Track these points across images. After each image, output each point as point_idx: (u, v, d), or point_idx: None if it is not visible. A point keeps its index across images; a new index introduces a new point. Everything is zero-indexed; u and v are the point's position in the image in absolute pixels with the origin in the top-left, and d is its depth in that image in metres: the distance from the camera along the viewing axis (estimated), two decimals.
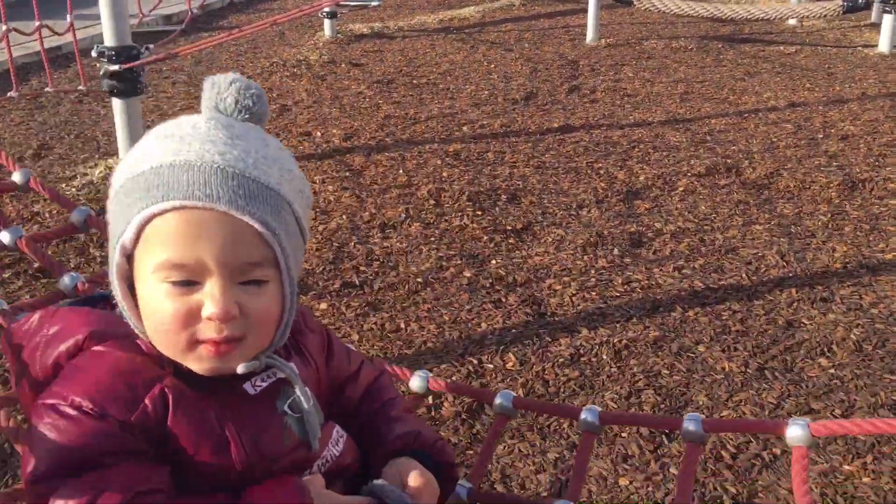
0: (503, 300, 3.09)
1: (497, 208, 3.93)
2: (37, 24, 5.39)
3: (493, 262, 3.40)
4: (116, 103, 4.32)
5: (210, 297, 0.97)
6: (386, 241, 3.58)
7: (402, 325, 2.94)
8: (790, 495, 2.15)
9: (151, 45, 4.41)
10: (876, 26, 8.33)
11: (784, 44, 8.00)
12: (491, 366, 2.69)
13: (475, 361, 2.71)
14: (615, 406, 2.48)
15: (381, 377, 1.31)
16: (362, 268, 3.34)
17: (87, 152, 4.75)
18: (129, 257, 1.00)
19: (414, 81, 6.52)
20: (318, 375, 1.18)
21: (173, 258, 0.96)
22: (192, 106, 5.74)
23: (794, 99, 5.92)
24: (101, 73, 4.27)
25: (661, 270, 3.33)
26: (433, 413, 2.47)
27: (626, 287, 3.19)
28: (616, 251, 3.49)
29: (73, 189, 4.13)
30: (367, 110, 5.67)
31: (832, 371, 2.63)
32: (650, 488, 2.18)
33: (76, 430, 0.96)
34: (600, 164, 4.55)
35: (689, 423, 1.48)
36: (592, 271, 3.32)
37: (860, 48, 7.78)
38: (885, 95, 5.97)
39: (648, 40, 8.14)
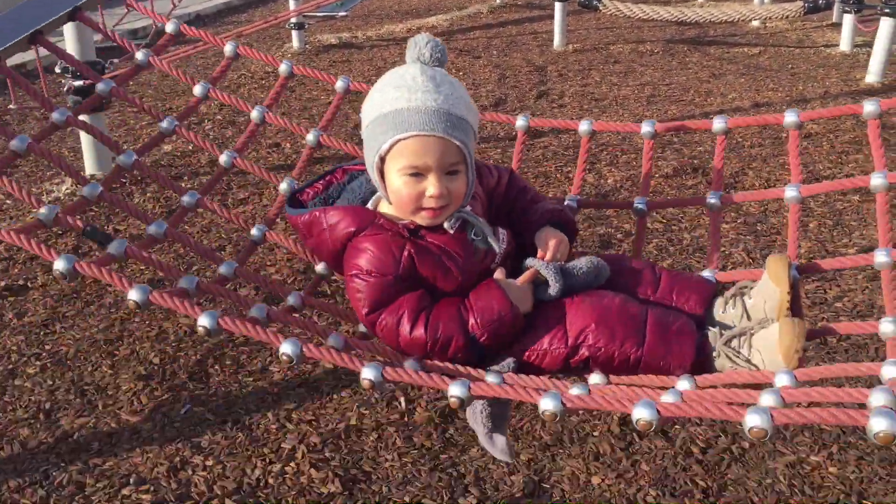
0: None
1: None
2: None
3: None
4: (82, 119, 4.29)
5: (431, 184, 1.68)
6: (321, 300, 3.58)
7: None
8: (759, 488, 2.18)
9: (116, 60, 4.39)
10: (837, 26, 8.48)
11: (748, 45, 8.12)
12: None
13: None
14: None
15: (512, 175, 2.00)
16: (333, 278, 3.33)
17: (53, 169, 4.70)
18: (382, 160, 1.70)
19: None
20: (480, 199, 1.87)
21: (412, 162, 1.68)
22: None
23: (758, 99, 6.01)
24: (64, 89, 4.24)
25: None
26: (406, 418, 2.48)
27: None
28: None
29: (45, 207, 4.09)
30: (336, 120, 5.67)
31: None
32: (622, 485, 2.21)
33: (375, 286, 1.69)
34: (569, 168, 4.58)
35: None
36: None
37: (822, 48, 7.91)
38: (847, 94, 6.08)
39: (615, 45, 8.22)
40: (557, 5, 7.97)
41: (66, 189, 4.31)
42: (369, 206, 1.85)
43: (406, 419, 2.48)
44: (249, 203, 4.13)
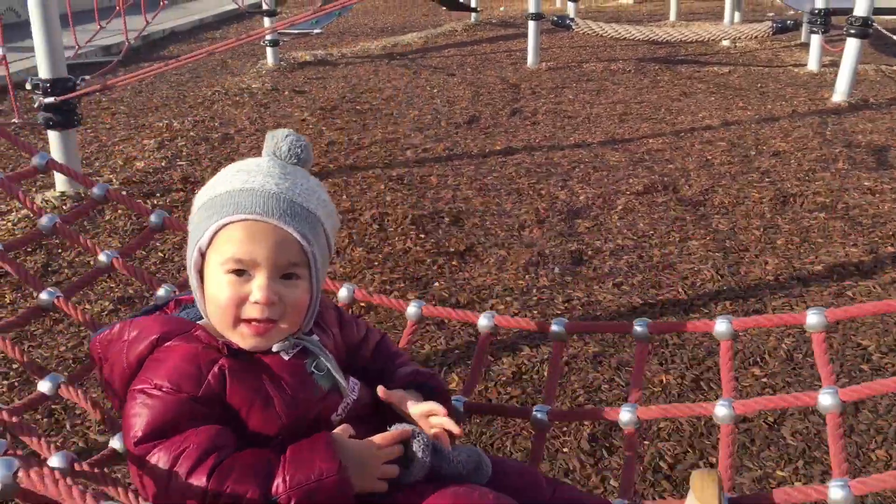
0: (446, 322, 3.11)
1: (440, 231, 3.97)
2: None
3: (437, 284, 3.43)
4: (53, 136, 4.28)
5: (257, 286, 1.34)
6: (329, 268, 3.58)
7: None
8: None
9: (88, 77, 4.37)
10: (805, 46, 8.64)
11: (718, 64, 8.24)
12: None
13: None
14: (556, 422, 2.51)
15: (384, 338, 1.68)
16: None
17: (23, 186, 4.66)
18: (202, 255, 1.38)
19: (357, 107, 6.56)
20: (336, 341, 1.52)
21: (236, 254, 1.33)
22: (132, 137, 5.68)
23: (727, 118, 6.09)
24: (35, 105, 4.21)
25: (600, 287, 3.39)
26: None
27: (566, 305, 3.24)
28: (557, 270, 3.55)
29: (10, 223, 4.06)
30: (310, 137, 5.68)
31: (765, 380, 2.71)
32: None
33: (161, 405, 1.28)
34: (542, 185, 4.62)
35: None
36: (534, 290, 3.37)
37: (790, 67, 8.05)
38: (814, 112, 6.18)
39: (588, 63, 8.31)
40: (531, 24, 8.06)
41: (54, 196, 4.26)
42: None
43: None
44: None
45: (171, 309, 1.51)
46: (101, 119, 6.21)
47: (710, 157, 5.08)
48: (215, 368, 1.32)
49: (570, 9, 10.93)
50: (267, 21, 8.49)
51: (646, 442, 2.43)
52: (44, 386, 1.68)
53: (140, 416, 1.28)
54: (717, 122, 5.96)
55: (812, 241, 3.83)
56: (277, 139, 1.43)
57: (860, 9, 6.24)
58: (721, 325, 1.86)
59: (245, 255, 1.33)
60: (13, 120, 5.81)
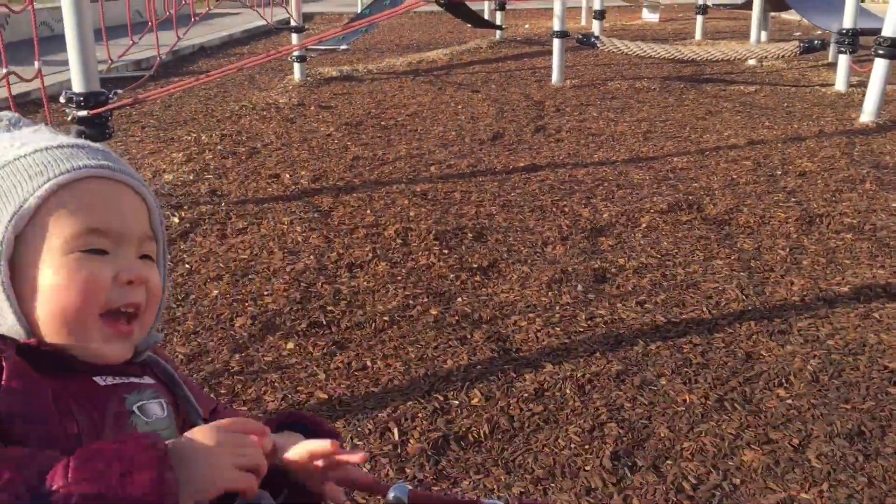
0: (469, 337, 3.12)
1: (463, 246, 3.99)
2: (4, 70, 5.41)
3: (459, 299, 3.44)
4: None
5: (123, 263, 0.99)
6: (353, 281, 3.61)
7: (369, 364, 2.96)
8: None
9: (120, 90, 4.44)
10: (832, 66, 8.60)
11: (744, 83, 8.22)
12: (456, 402, 2.71)
13: (441, 398, 2.74)
14: (578, 439, 2.51)
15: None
16: (329, 307, 3.36)
17: None
18: (17, 234, 0.95)
19: (382, 123, 6.61)
20: (175, 400, 1.09)
21: (92, 224, 0.97)
22: (160, 150, 5.77)
23: (753, 137, 6.07)
24: (69, 118, 4.29)
25: (623, 305, 3.38)
26: (399, 450, 2.49)
27: (589, 322, 3.24)
28: (580, 287, 3.55)
29: None
30: (335, 152, 5.73)
31: (790, 402, 2.68)
32: None
33: None
34: (565, 202, 4.63)
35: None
36: (557, 307, 3.37)
37: (817, 87, 8.01)
38: (842, 133, 6.14)
39: (612, 81, 8.32)
40: (556, 42, 8.09)
41: None
42: None
43: (399, 451, 2.49)
44: (248, 233, 4.16)
45: None
46: (131, 132, 6.31)
47: (735, 177, 5.06)
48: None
49: (595, 27, 10.96)
50: (294, 37, 8.59)
51: (668, 462, 2.41)
52: None
53: None
54: (742, 142, 5.94)
55: (839, 262, 3.81)
56: (4, 119, 1.09)
57: (889, 29, 6.20)
58: None
59: (103, 224, 0.98)
60: None
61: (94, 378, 0.97)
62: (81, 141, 1.03)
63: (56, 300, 0.95)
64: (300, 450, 1.05)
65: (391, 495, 1.20)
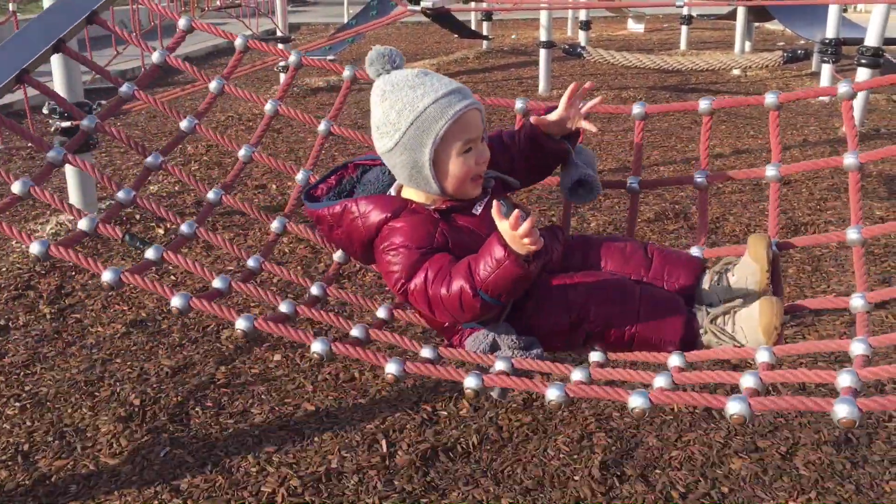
0: None
1: None
2: None
3: None
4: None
5: (481, 151, 1.85)
6: (340, 291, 3.59)
7: (357, 375, 2.94)
8: None
9: (104, 101, 4.41)
10: (816, 75, 8.67)
11: (728, 93, 8.27)
12: (445, 413, 2.70)
13: (429, 409, 2.73)
14: (567, 449, 2.51)
15: (501, 133, 2.11)
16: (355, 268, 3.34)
17: (38, 209, 4.71)
18: (435, 152, 1.80)
19: (369, 134, 6.59)
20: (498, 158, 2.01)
21: (468, 136, 1.81)
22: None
23: (738, 146, 6.11)
24: (52, 129, 4.27)
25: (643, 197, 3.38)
26: (387, 462, 2.47)
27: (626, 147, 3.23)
28: None
29: (46, 234, 4.08)
30: (323, 162, 5.71)
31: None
32: None
33: (409, 256, 1.78)
34: (553, 212, 4.63)
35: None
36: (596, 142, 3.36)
37: None
38: (826, 142, 6.19)
39: (599, 91, 8.35)
40: (542, 52, 8.12)
41: (51, 228, 4.31)
42: (392, 194, 1.95)
43: (387, 462, 2.47)
44: (234, 243, 4.13)
45: (352, 170, 2.03)
46: (115, 143, 6.27)
47: (721, 185, 5.08)
48: (438, 230, 1.81)
49: (582, 37, 11.01)
50: (281, 47, 8.59)
51: (657, 471, 2.41)
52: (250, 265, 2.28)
53: (398, 267, 1.78)
54: (727, 151, 5.97)
55: (824, 270, 3.82)
56: (386, 56, 1.87)
57: (871, 38, 6.26)
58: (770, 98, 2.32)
59: (472, 136, 1.81)
60: (30, 143, 5.87)
61: (473, 210, 1.88)
62: (453, 86, 1.82)
63: (458, 181, 1.84)
64: (556, 112, 2.08)
65: (635, 111, 2.56)
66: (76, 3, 2.60)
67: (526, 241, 1.63)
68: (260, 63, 5.42)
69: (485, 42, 11.70)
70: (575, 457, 2.48)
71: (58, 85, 4.19)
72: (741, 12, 10.01)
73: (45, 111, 4.29)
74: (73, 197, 4.45)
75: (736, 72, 9.21)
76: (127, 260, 3.93)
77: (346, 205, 1.89)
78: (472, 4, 11.19)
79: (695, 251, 2.20)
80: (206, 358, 3.08)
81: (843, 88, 2.22)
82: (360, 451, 2.53)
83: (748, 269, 1.90)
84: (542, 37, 8.04)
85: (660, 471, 2.42)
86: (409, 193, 1.92)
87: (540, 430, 2.61)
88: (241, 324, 1.76)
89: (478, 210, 1.89)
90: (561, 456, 2.48)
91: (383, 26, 9.60)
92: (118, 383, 2.92)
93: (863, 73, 6.34)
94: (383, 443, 2.56)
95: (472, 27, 11.70)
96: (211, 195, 2.39)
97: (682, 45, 11.88)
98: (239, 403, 2.80)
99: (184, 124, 2.52)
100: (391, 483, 2.39)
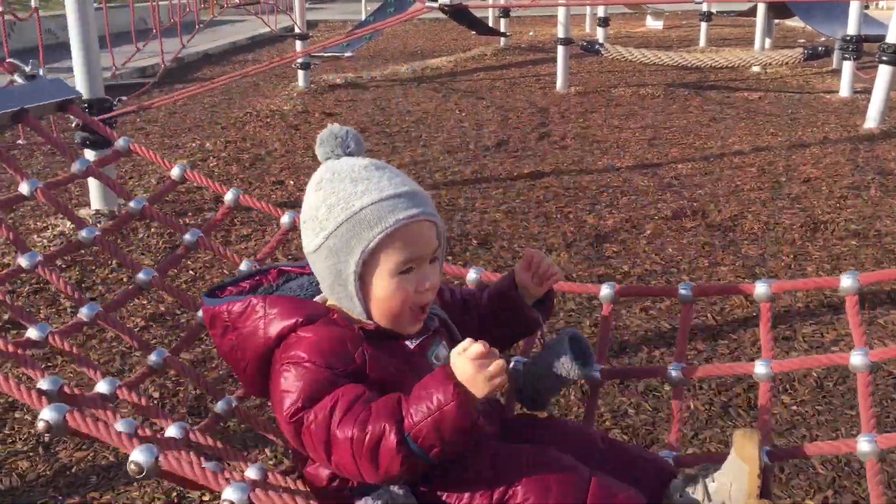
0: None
1: (468, 253, 3.99)
2: (10, 77, 5.43)
3: None
4: (89, 155, 4.36)
5: (424, 278, 1.50)
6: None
7: None
8: None
9: (125, 97, 4.46)
10: (837, 72, 8.59)
11: (748, 90, 8.22)
12: None
13: None
14: None
15: (466, 291, 1.84)
16: None
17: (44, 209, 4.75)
18: (362, 266, 1.47)
19: (386, 130, 6.62)
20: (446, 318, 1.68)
21: (408, 255, 1.48)
22: (165, 157, 5.77)
23: (757, 143, 6.07)
24: (73, 125, 4.31)
25: (628, 312, 3.38)
26: None
27: (594, 329, 3.23)
28: (584, 294, 3.54)
29: (45, 240, 4.13)
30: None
31: (794, 408, 2.68)
32: None
33: (314, 377, 1.42)
34: (570, 209, 4.63)
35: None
36: (561, 313, 3.36)
37: (822, 94, 8.01)
38: (846, 139, 6.14)
39: (617, 88, 8.33)
40: (560, 49, 8.11)
41: (71, 225, 4.35)
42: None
43: None
44: (252, 239, 4.17)
45: (273, 277, 1.68)
46: (135, 139, 6.32)
47: (739, 183, 5.06)
48: (360, 351, 1.46)
49: (600, 34, 10.98)
50: (299, 44, 8.62)
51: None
52: (152, 359, 2.01)
53: (295, 386, 1.42)
54: (747, 148, 5.94)
55: (843, 268, 3.80)
56: (340, 137, 1.57)
57: (893, 35, 6.20)
58: (761, 288, 2.02)
59: (415, 255, 1.49)
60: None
61: (406, 342, 1.54)
62: (404, 188, 1.49)
63: (387, 307, 1.50)
64: (519, 275, 1.74)
65: (603, 292, 2.14)
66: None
67: (492, 377, 1.34)
68: (277, 59, 5.44)
69: (502, 39, 11.69)
70: None
71: (79, 81, 4.24)
72: (761, 9, 9.95)
73: None
74: (94, 192, 4.49)
75: (756, 69, 9.15)
76: (147, 255, 3.96)
77: (252, 302, 1.53)
78: (490, 1, 11.19)
79: (664, 454, 1.84)
80: None
81: (846, 282, 1.91)
82: None
83: (733, 471, 1.54)
84: (560, 33, 8.03)
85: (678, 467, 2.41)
86: (336, 305, 1.56)
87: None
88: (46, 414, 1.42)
89: (411, 343, 1.54)
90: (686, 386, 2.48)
91: (400, 23, 9.63)
92: None
93: (884, 71, 6.29)
94: None
95: (490, 24, 11.70)
96: (229, 196, 2.41)
97: (702, 42, 11.82)
98: None
99: (175, 172, 2.42)
100: None
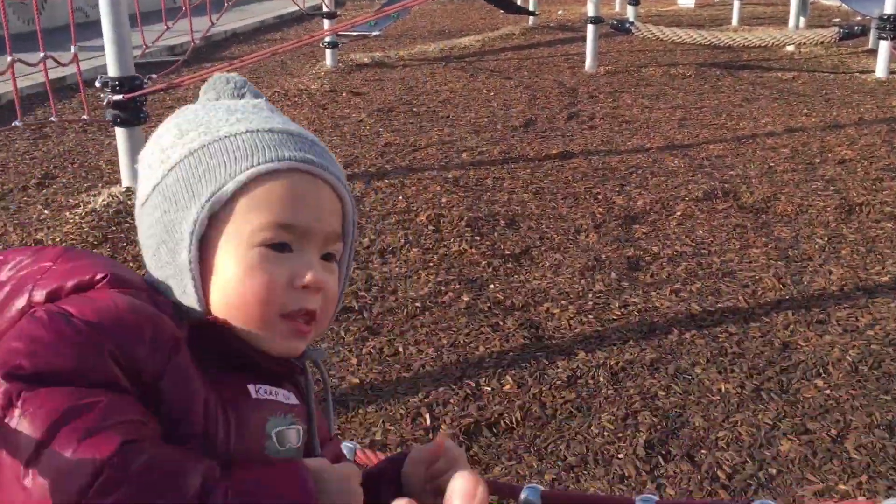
0: (501, 324, 3.11)
1: (496, 233, 3.97)
2: (41, 55, 5.47)
3: (492, 286, 3.42)
4: (120, 132, 4.39)
5: (307, 265, 0.95)
6: (385, 267, 3.61)
7: (401, 349, 2.96)
8: None
9: (154, 75, 4.47)
10: (873, 52, 8.40)
11: (782, 70, 8.08)
12: (489, 388, 2.70)
13: (472, 384, 2.73)
14: (612, 427, 2.49)
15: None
16: (361, 293, 3.37)
17: (90, 181, 4.80)
18: (208, 220, 0.94)
19: (414, 109, 6.59)
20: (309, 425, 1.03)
21: (281, 219, 0.94)
22: None
23: (791, 124, 5.97)
24: (104, 102, 4.33)
25: (657, 294, 3.34)
26: (430, 435, 2.48)
27: (623, 310, 3.21)
28: (613, 275, 3.51)
29: (77, 217, 4.17)
30: (367, 138, 5.73)
31: (828, 392, 2.64)
32: None
33: (80, 344, 0.82)
34: (598, 190, 4.58)
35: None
36: (590, 295, 3.34)
37: (857, 74, 7.84)
38: (882, 120, 6.02)
39: (647, 68, 8.22)
40: (590, 27, 8.01)
41: (103, 200, 4.39)
42: None
43: (430, 436, 2.48)
44: None
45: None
46: (165, 117, 6.35)
47: (772, 164, 4.98)
48: (166, 337, 0.87)
49: (630, 12, 10.83)
50: (326, 23, 8.60)
51: (703, 451, 2.38)
52: None
53: (38, 343, 0.82)
54: (780, 129, 5.84)
55: (879, 251, 3.73)
56: (234, 84, 1.07)
57: None
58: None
59: (299, 222, 0.95)
60: (83, 117, 5.98)
61: (249, 386, 0.94)
62: (294, 128, 1.00)
63: (234, 293, 0.94)
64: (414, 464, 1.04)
65: (523, 496, 1.30)
66: None
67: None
68: (306, 38, 5.42)
69: (531, 18, 11.57)
70: (619, 435, 2.46)
71: (109, 59, 4.25)
72: None
73: (97, 84, 4.35)
74: (124, 168, 4.52)
75: (790, 48, 8.98)
76: None
77: (48, 253, 0.96)
78: None
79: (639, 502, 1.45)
80: None
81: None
82: (404, 425, 2.54)
83: None
84: (590, 12, 7.93)
85: (706, 451, 2.39)
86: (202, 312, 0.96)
87: (584, 408, 2.59)
88: None
89: (255, 391, 0.94)
90: (605, 434, 2.47)
91: (428, 2, 9.55)
92: None
93: None
94: (427, 416, 2.57)
95: (518, 3, 11.59)
96: None
97: (734, 21, 11.62)
98: None
99: None
100: None
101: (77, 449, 0.75)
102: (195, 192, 0.95)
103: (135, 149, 4.41)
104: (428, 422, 2.55)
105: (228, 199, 0.94)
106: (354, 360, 2.89)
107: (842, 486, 2.22)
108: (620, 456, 2.37)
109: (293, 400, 0.99)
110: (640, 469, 2.31)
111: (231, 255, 0.94)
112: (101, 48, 4.32)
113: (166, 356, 0.86)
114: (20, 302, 0.91)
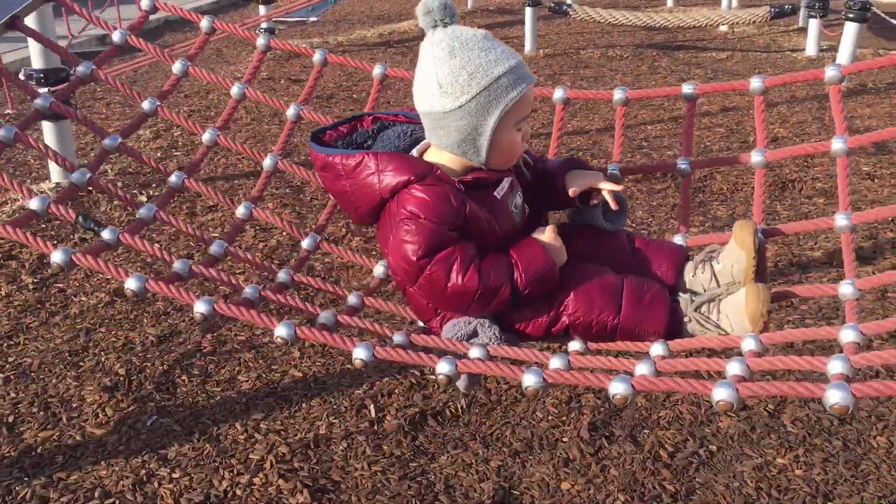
0: None
1: None
2: None
3: None
4: (47, 126, 4.24)
5: (527, 133, 1.84)
6: (327, 257, 3.57)
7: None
8: (726, 491, 2.20)
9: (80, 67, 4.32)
10: (803, 31, 8.59)
11: (716, 50, 8.20)
12: (433, 377, 2.69)
13: (417, 374, 2.72)
14: (556, 411, 2.50)
15: (531, 155, 2.09)
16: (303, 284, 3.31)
17: (18, 177, 4.63)
18: (499, 120, 1.76)
19: (354, 96, 6.52)
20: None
21: (525, 114, 1.80)
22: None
23: (726, 104, 6.06)
24: (29, 97, 4.17)
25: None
26: (375, 427, 2.47)
27: None
28: None
29: (4, 215, 4.03)
30: (306, 126, 5.64)
31: None
32: (592, 491, 2.21)
33: (430, 231, 1.74)
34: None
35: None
36: None
37: (788, 52, 8.01)
38: (813, 98, 6.16)
39: (585, 50, 8.27)
40: (528, 10, 8.01)
41: (49, 187, 4.24)
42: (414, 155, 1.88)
43: (375, 427, 2.47)
44: (218, 210, 4.09)
45: (368, 124, 1.99)
46: (96, 109, 6.17)
47: (708, 144, 5.06)
48: (461, 203, 1.75)
49: None
50: (262, 9, 8.44)
51: (645, 431, 2.42)
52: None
53: (416, 240, 1.74)
54: (715, 109, 5.93)
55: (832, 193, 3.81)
56: (447, 6, 1.78)
57: None
58: (756, 157, 2.26)
59: (528, 112, 1.80)
60: (7, 111, 5.77)
61: (495, 193, 1.84)
62: (516, 60, 1.76)
63: (509, 152, 1.83)
64: (591, 181, 1.99)
65: (616, 96, 2.42)
66: None
67: (564, 252, 1.82)
68: (242, 23, 5.31)
69: (469, 2, 11.54)
70: (563, 418, 2.48)
71: (33, 49, 4.11)
72: None
73: (21, 77, 4.20)
74: (53, 166, 4.38)
75: (723, 28, 9.12)
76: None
77: (364, 158, 1.80)
78: None
79: (678, 239, 2.18)
80: (191, 326, 3.06)
81: (830, 72, 2.19)
82: (349, 417, 2.52)
83: (734, 256, 1.91)
84: None
85: (648, 431, 2.42)
86: (435, 157, 1.84)
87: None
88: (200, 307, 1.72)
89: (499, 194, 1.85)
90: (549, 418, 2.48)
91: None
92: (103, 353, 2.89)
93: (850, 28, 6.29)
94: (372, 408, 2.56)
95: None
96: (206, 136, 2.54)
97: (669, 3, 11.75)
98: (226, 371, 2.78)
99: (176, 67, 2.48)
100: (380, 448, 2.39)
101: (464, 278, 1.75)
102: (490, 111, 1.75)
103: (64, 142, 4.27)
104: (373, 413, 2.53)
105: (507, 112, 1.76)
106: (297, 353, 2.86)
107: (780, 460, 2.27)
108: (565, 439, 2.39)
109: (507, 185, 1.88)
110: (584, 451, 2.34)
111: (507, 136, 1.79)
112: (25, 40, 4.16)
113: (460, 207, 1.76)
114: (372, 190, 1.81)
